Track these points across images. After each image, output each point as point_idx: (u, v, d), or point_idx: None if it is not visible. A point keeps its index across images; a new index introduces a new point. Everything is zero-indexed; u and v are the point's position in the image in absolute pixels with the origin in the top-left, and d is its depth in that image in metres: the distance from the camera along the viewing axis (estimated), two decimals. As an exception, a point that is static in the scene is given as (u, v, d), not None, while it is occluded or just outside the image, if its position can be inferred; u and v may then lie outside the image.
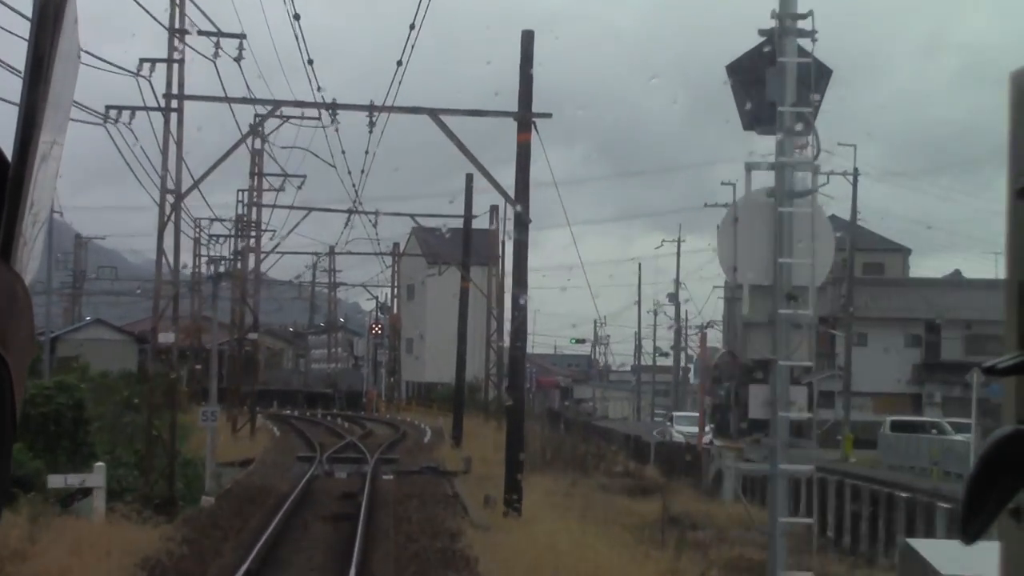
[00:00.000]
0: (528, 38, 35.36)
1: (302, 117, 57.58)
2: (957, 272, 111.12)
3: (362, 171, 44.68)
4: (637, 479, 49.03)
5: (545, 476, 45.50)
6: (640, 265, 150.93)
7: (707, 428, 59.26)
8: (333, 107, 34.95)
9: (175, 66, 34.52)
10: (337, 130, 35.73)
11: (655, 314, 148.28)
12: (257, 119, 36.47)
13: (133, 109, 34.66)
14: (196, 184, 34.87)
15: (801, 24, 13.99)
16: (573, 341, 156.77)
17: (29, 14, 1.81)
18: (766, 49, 13.61)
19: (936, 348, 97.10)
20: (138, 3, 28.95)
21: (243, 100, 34.93)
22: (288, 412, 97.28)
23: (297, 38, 52.54)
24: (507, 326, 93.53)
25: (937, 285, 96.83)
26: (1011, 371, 2.76)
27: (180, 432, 51.34)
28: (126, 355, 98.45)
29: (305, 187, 62.11)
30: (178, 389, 70.56)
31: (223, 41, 36.96)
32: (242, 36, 37.17)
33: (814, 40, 13.79)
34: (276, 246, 63.43)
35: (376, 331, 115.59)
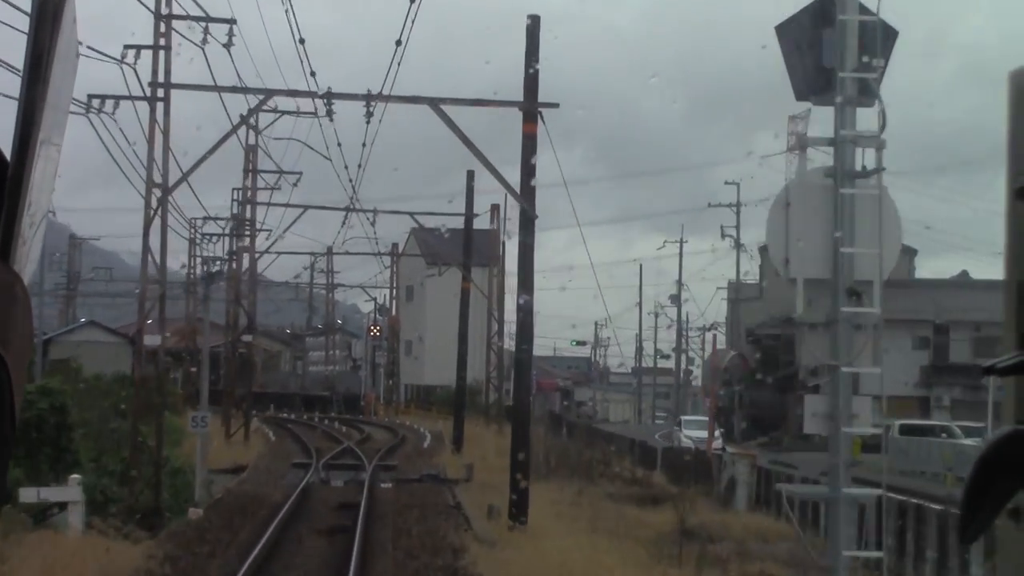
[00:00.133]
0: (534, 24, 33.50)
1: (297, 112, 56.14)
2: (964, 273, 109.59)
3: (359, 166, 42.88)
4: (645, 487, 47.13)
5: (550, 483, 43.62)
6: (641, 267, 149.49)
7: (716, 433, 57.31)
8: (328, 97, 33.11)
9: (161, 53, 32.72)
10: (332, 120, 33.76)
11: (656, 316, 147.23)
12: (249, 111, 34.54)
13: (117, 98, 32.82)
14: (184, 177, 32.98)
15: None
16: (574, 343, 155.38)
17: (28, 13, 1.79)
18: (821, 7, 11.74)
19: (944, 350, 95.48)
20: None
21: (233, 89, 33.10)
22: (285, 415, 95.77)
23: (288, 15, 50.54)
24: (507, 328, 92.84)
25: (945, 286, 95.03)
26: (1010, 371, 2.80)
27: (173, 437, 49.62)
28: (120, 357, 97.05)
29: (302, 187, 60.49)
30: (167, 392, 69.22)
31: (212, 28, 35.19)
32: (232, 21, 35.41)
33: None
34: (271, 245, 61.64)
35: (374, 333, 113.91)
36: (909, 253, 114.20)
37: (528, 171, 33.53)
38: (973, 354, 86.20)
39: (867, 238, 11.89)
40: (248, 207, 60.17)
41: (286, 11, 36.55)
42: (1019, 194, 3.18)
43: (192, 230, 65.76)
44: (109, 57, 31.92)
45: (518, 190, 33.71)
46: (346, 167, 43.73)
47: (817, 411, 12.48)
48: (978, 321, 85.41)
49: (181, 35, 34.56)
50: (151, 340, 34.81)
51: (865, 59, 11.85)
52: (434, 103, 33.16)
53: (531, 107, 33.17)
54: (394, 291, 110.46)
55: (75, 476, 25.04)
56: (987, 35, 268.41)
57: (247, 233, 59.90)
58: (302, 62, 31.41)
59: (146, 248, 33.26)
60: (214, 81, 32.97)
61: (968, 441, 58.79)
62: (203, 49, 34.36)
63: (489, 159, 58.89)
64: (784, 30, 11.98)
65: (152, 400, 39.00)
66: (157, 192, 33.69)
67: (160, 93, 32.96)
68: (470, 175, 59.86)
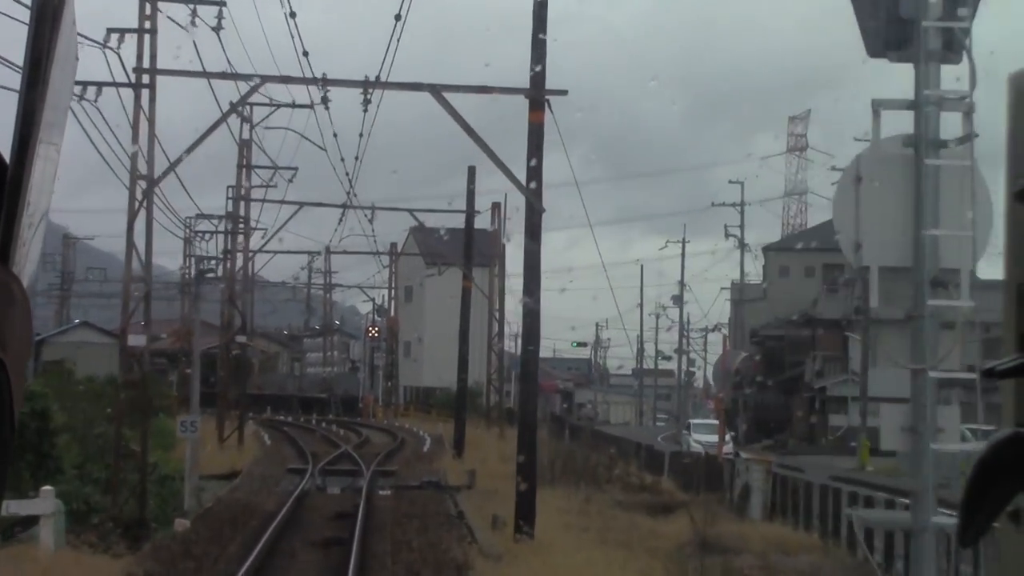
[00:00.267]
0: (542, 6, 31.62)
1: (293, 104, 54.32)
2: (971, 273, 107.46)
3: (356, 158, 40.95)
4: (654, 493, 45.24)
5: (555, 490, 41.73)
6: (642, 267, 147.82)
7: (727, 437, 55.41)
8: (324, 83, 31.26)
9: (146, 37, 30.87)
10: (328, 108, 31.92)
11: (657, 317, 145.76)
12: (241, 97, 32.63)
13: (100, 85, 30.97)
14: (172, 168, 31.16)
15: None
16: (575, 345, 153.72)
17: (27, 5, 1.53)
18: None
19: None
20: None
21: (222, 75, 31.27)
22: (282, 418, 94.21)
23: None
24: (508, 328, 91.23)
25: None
26: (1010, 373, 2.78)
27: (166, 441, 47.77)
28: (114, 359, 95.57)
29: (299, 186, 58.79)
30: (163, 395, 67.50)
31: (201, 11, 33.35)
32: (221, 3, 33.56)
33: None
34: (265, 243, 59.79)
35: (373, 334, 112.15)
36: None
37: (535, 163, 31.68)
38: (983, 356, 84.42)
39: (953, 218, 10.09)
40: (242, 204, 58.32)
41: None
42: (1018, 196, 3.18)
43: (187, 230, 63.99)
44: (91, 41, 30.11)
45: (521, 186, 31.85)
46: (342, 159, 41.88)
47: (897, 424, 10.65)
48: (987, 322, 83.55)
49: (168, 18, 32.75)
50: (136, 340, 32.98)
51: (951, 7, 10.05)
52: (435, 90, 31.33)
53: (538, 94, 31.33)
54: (393, 291, 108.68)
55: (47, 488, 23.20)
56: (987, 36, 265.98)
57: (241, 231, 58.04)
58: (293, 38, 29.55)
59: (130, 244, 31.44)
60: (203, 68, 31.19)
61: (980, 445, 56.97)
62: (191, 33, 32.53)
63: (487, 161, 57.24)
64: (856, -24, 10.17)
65: (146, 402, 37.22)
66: (146, 186, 31.87)
67: (145, 80, 31.14)
68: (471, 171, 58.19)
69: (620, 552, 28.81)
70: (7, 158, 1.81)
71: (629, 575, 24.71)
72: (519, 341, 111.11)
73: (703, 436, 61.21)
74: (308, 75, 30.79)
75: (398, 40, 29.92)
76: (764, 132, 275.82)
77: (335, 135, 38.28)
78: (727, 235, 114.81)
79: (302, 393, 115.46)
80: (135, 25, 31.06)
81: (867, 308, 53.37)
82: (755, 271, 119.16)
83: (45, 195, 1.90)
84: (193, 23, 32.96)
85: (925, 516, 10.31)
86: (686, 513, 37.56)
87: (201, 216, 52.12)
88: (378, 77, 29.98)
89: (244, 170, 57.47)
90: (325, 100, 31.43)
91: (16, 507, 23.04)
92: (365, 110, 31.60)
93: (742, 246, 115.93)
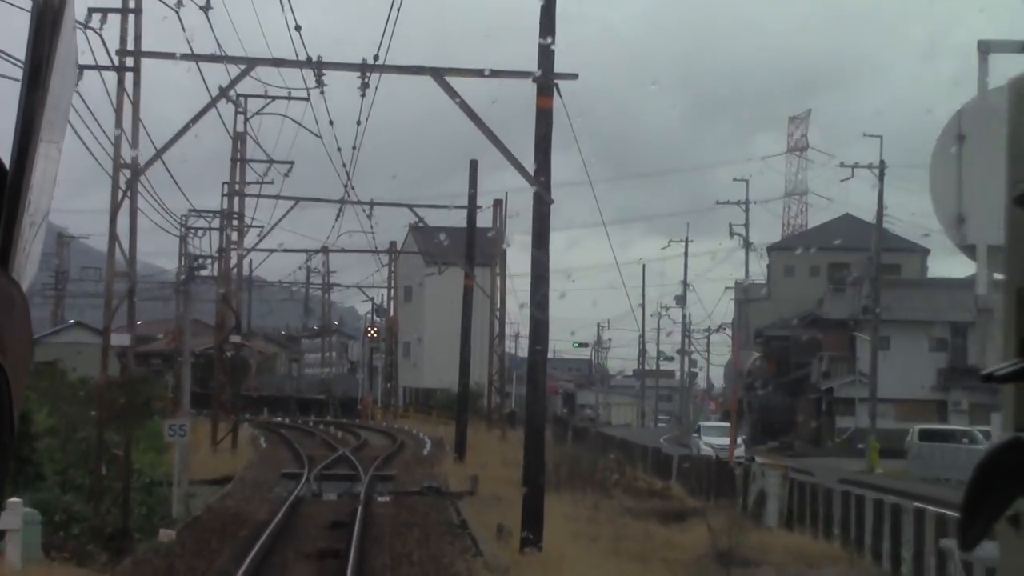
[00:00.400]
0: (550, -15, 29.77)
1: (289, 97, 52.51)
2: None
3: (354, 148, 39.12)
4: (664, 499, 43.36)
5: (562, 496, 39.77)
6: (644, 267, 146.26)
7: (739, 440, 53.52)
8: (318, 66, 29.43)
9: (130, 17, 29.04)
10: (323, 92, 30.07)
11: (659, 317, 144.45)
12: (231, 81, 30.71)
13: (81, 68, 29.08)
14: (158, 155, 29.32)
15: None
16: (576, 345, 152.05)
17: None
18: None
19: (962, 352, 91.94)
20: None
21: (211, 58, 29.36)
22: (279, 420, 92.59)
23: None
24: (508, 329, 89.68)
25: (962, 286, 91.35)
26: (1009, 378, 2.80)
27: (159, 444, 45.90)
28: (108, 359, 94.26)
29: (296, 185, 57.02)
30: (159, 396, 65.73)
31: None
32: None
33: None
34: (260, 240, 57.90)
35: (372, 334, 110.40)
36: (921, 253, 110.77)
37: (544, 152, 29.86)
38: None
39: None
40: (236, 200, 56.49)
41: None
42: (1018, 201, 3.21)
43: (183, 228, 62.20)
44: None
45: (530, 177, 30.01)
46: (339, 149, 40.00)
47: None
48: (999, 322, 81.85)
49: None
50: (119, 340, 31.15)
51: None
52: (437, 74, 29.51)
53: (546, 78, 29.50)
54: (392, 291, 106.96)
55: (14, 500, 21.36)
56: (986, 37, 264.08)
57: (235, 228, 56.20)
58: (283, 6, 27.69)
59: (113, 237, 29.62)
60: (191, 50, 29.36)
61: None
62: (178, 13, 30.68)
63: (485, 162, 55.41)
64: None
65: (130, 405, 35.43)
66: (130, 175, 30.02)
67: (129, 63, 29.31)
68: (473, 165, 56.41)
69: (635, 565, 27.03)
70: (7, 163, 1.80)
71: (647, 592, 22.88)
72: (519, 342, 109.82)
73: (714, 439, 59.27)
74: (302, 57, 28.93)
75: (397, 10, 27.99)
76: (764, 132, 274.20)
77: (331, 123, 36.45)
78: (732, 234, 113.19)
79: (300, 394, 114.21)
80: (118, 4, 29.24)
81: (877, 307, 51.03)
82: (757, 271, 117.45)
83: (45, 199, 1.89)
84: (180, 3, 31.14)
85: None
86: (700, 521, 35.73)
87: (194, 212, 50.37)
88: (376, 58, 28.15)
89: (238, 164, 55.66)
90: (320, 83, 29.61)
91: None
92: (363, 95, 29.86)
93: (747, 244, 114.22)
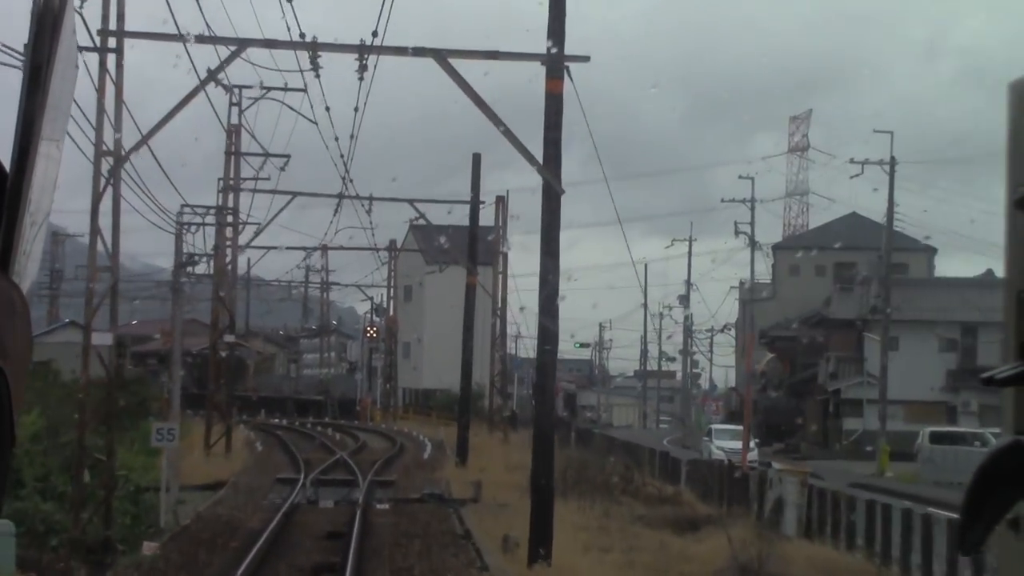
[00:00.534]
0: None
1: (284, 88, 50.70)
2: (990, 272, 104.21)
3: (352, 136, 37.28)
4: (676, 505, 41.46)
5: (569, 502, 37.90)
6: (646, 267, 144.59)
7: (751, 444, 51.58)
8: (313, 47, 27.60)
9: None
10: (318, 75, 28.20)
11: (661, 317, 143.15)
12: (220, 63, 28.87)
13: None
14: (144, 141, 27.46)
15: None
16: (578, 345, 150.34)
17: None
18: None
19: (972, 352, 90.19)
20: None
21: (199, 38, 27.54)
22: (277, 421, 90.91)
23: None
24: (510, 329, 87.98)
25: (971, 286, 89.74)
26: (1010, 382, 2.83)
27: (152, 448, 44.00)
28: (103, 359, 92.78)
29: (293, 183, 55.01)
30: (150, 397, 63.90)
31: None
32: (198, -44, 29.90)
33: None
34: (255, 236, 56.06)
35: (371, 334, 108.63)
36: (928, 252, 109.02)
37: (554, 139, 28.05)
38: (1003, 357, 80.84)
39: None
40: (230, 195, 54.61)
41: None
42: (1019, 204, 3.13)
43: (178, 226, 60.30)
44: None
45: (538, 165, 28.19)
46: (336, 139, 38.13)
47: None
48: (1008, 322, 79.98)
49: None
50: (101, 339, 29.35)
51: None
52: (440, 55, 27.70)
53: (556, 59, 27.68)
54: (392, 290, 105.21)
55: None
56: (987, 39, 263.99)
57: (230, 223, 54.33)
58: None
59: (95, 231, 27.77)
60: (178, 30, 27.52)
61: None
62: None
63: (487, 162, 53.63)
64: None
65: (117, 407, 33.63)
66: (113, 162, 28.19)
67: (112, 44, 27.47)
68: (476, 158, 54.64)
69: (652, 580, 25.21)
70: (7, 165, 1.78)
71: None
72: (519, 342, 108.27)
73: (726, 443, 57.32)
74: (296, 38, 27.11)
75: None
76: (764, 133, 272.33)
77: (327, 108, 34.61)
78: (737, 232, 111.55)
79: (298, 395, 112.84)
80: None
81: (887, 307, 48.92)
82: (761, 271, 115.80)
83: (46, 198, 1.86)
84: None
85: None
86: (716, 530, 33.95)
87: (186, 206, 48.58)
88: (375, 33, 26.31)
89: (233, 157, 53.81)
90: (315, 66, 27.76)
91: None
92: (361, 78, 27.99)
93: (752, 243, 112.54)
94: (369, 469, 46.93)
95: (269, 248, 73.70)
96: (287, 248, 77.82)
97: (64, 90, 1.88)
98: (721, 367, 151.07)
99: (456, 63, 28.15)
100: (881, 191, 76.54)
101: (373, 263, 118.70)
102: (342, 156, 39.51)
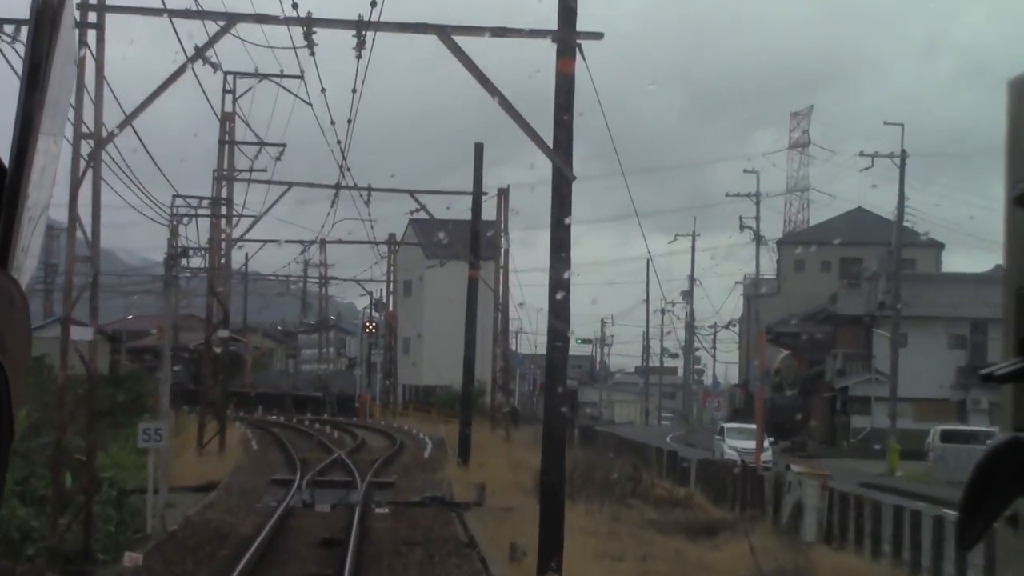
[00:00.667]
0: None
1: (281, 75, 48.95)
2: (999, 268, 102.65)
3: (349, 120, 35.54)
4: (687, 508, 39.64)
5: (576, 505, 36.10)
6: (648, 262, 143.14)
7: (765, 443, 49.68)
8: (308, 23, 25.84)
9: (94, -34, 25.46)
10: (313, 53, 26.45)
11: (663, 314, 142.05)
12: (208, 40, 27.04)
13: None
14: (127, 122, 25.72)
15: None
16: (579, 341, 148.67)
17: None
18: None
19: (982, 349, 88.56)
20: None
21: (185, 13, 25.76)
22: (274, 418, 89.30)
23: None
24: (511, 325, 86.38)
25: (980, 281, 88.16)
26: (1009, 378, 2.80)
27: (140, 449, 42.25)
28: (98, 355, 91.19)
29: (290, 175, 53.17)
30: (145, 394, 62.16)
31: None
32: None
33: None
34: (250, 228, 54.32)
35: (370, 330, 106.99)
36: (936, 248, 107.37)
37: (565, 123, 26.28)
38: (1015, 353, 79.18)
39: None
40: (224, 186, 52.80)
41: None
42: (1018, 201, 3.18)
43: (171, 217, 58.59)
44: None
45: (548, 149, 26.43)
46: (332, 123, 36.38)
47: None
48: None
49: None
50: (81, 334, 27.60)
51: None
52: (443, 32, 25.93)
53: (568, 37, 25.92)
54: (391, 285, 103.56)
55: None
56: (987, 36, 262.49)
57: (224, 215, 52.54)
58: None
59: (73, 219, 26.03)
60: (163, 4, 25.74)
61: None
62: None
63: (490, 155, 51.81)
64: None
65: (98, 406, 31.95)
66: (94, 145, 26.45)
67: (92, 18, 25.74)
68: (478, 148, 52.82)
69: (671, 594, 23.45)
70: (6, 161, 1.80)
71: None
72: (520, 338, 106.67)
73: (739, 442, 55.39)
74: (289, 13, 25.33)
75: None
76: (764, 129, 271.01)
77: (323, 90, 32.85)
78: (742, 227, 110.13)
79: (296, 391, 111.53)
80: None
81: (897, 303, 47.08)
82: (764, 266, 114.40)
83: (44, 197, 1.88)
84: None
85: None
86: (733, 536, 32.21)
87: (178, 197, 46.82)
88: (373, 5, 24.53)
89: (227, 147, 52.02)
90: (310, 43, 26.01)
91: None
92: (359, 56, 26.23)
93: (757, 238, 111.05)
94: (368, 469, 45.22)
95: (266, 241, 72.21)
96: (285, 242, 76.29)
97: (63, 86, 1.87)
98: (725, 364, 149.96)
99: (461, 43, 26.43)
100: (881, 187, 75.38)
101: (372, 257, 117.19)
102: (339, 142, 37.81)
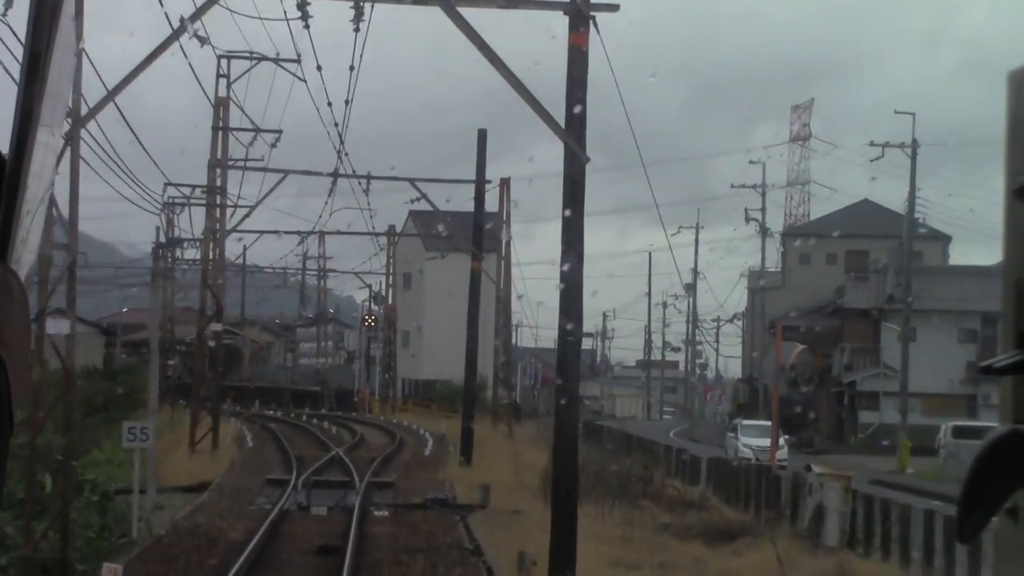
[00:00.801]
0: None
1: (277, 59, 47.24)
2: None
3: (346, 101, 33.75)
4: (701, 511, 37.80)
5: (585, 507, 34.11)
6: (650, 254, 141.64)
7: (781, 441, 47.79)
8: (303, -7, 24.03)
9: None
10: (307, 25, 24.67)
11: (664, 307, 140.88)
12: (194, 12, 25.28)
13: (11, -4, 23.81)
14: (109, 99, 23.96)
15: None
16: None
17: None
18: None
19: (992, 343, 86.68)
20: None
21: (171, -15, 24.08)
22: (271, 412, 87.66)
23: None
24: (512, 318, 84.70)
25: (992, 274, 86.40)
26: (1008, 370, 2.77)
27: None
28: (92, 349, 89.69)
29: (287, 165, 51.42)
30: (139, 388, 60.38)
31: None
32: None
33: None
34: (245, 218, 52.55)
35: (369, 323, 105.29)
36: (943, 240, 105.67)
37: (578, 101, 24.47)
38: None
39: None
40: (218, 175, 51.00)
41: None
42: (1018, 194, 3.15)
43: (163, 206, 56.90)
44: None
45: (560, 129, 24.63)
46: (329, 104, 34.60)
47: None
48: None
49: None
50: (56, 327, 25.84)
51: None
52: (447, 4, 24.12)
53: (579, 8, 24.11)
54: (391, 278, 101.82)
55: None
56: (988, 30, 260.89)
57: (218, 204, 50.75)
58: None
59: (51, 202, 24.22)
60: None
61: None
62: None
63: (488, 149, 50.05)
64: None
65: (101, 399, 30.11)
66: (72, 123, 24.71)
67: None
68: (482, 135, 51.04)
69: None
70: (5, 153, 1.78)
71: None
72: (520, 331, 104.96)
73: (754, 440, 53.46)
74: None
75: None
76: (764, 123, 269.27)
77: (319, 68, 31.04)
78: (747, 219, 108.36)
79: (294, 386, 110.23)
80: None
81: (909, 296, 45.03)
82: (768, 259, 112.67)
83: (44, 188, 1.86)
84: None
85: None
86: (753, 541, 30.46)
87: (170, 185, 45.13)
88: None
89: (220, 133, 50.22)
90: (304, 15, 24.23)
91: None
92: (356, 29, 24.45)
93: (763, 230, 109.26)
94: (367, 468, 43.45)
95: (262, 232, 70.59)
96: (283, 233, 74.59)
97: (63, 77, 1.85)
98: (728, 357, 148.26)
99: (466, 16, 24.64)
100: (880, 180, 73.98)
101: (371, 249, 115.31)
102: (336, 124, 36.03)
